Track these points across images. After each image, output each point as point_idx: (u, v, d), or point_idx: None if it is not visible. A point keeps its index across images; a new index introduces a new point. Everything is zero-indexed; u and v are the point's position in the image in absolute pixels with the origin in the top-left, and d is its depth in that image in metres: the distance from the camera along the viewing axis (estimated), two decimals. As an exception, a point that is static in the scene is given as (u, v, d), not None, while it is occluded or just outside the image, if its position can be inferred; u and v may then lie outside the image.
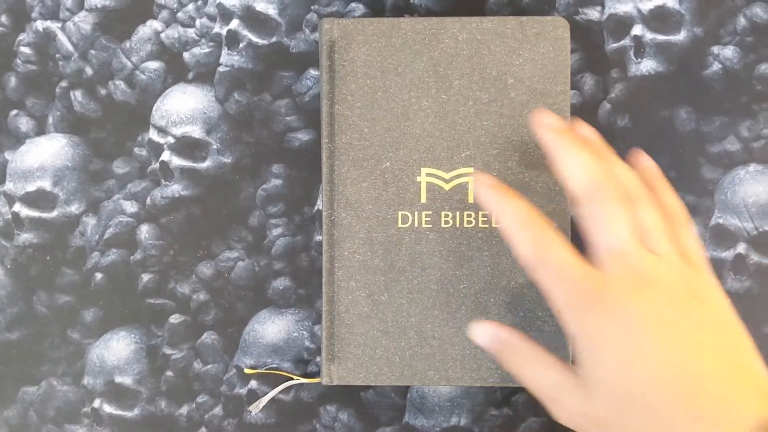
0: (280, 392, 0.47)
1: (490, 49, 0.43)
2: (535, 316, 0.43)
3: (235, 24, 0.47)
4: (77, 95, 0.48)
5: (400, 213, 0.43)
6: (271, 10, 0.47)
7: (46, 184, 0.48)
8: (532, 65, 0.43)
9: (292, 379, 0.46)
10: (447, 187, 0.43)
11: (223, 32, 0.47)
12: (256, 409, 0.46)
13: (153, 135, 0.47)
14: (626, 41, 0.47)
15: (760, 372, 0.33)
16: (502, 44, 0.43)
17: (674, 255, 0.35)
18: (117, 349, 0.48)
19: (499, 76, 0.43)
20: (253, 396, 0.47)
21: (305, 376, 0.47)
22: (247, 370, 0.47)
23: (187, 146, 0.47)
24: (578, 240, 0.37)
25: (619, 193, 0.36)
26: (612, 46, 0.47)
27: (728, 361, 0.33)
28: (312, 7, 0.47)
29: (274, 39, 0.47)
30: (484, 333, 0.38)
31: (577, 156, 0.36)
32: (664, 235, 0.36)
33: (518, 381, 0.37)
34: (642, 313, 0.33)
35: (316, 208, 0.47)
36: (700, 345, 0.33)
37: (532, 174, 0.43)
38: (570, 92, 0.43)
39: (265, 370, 0.47)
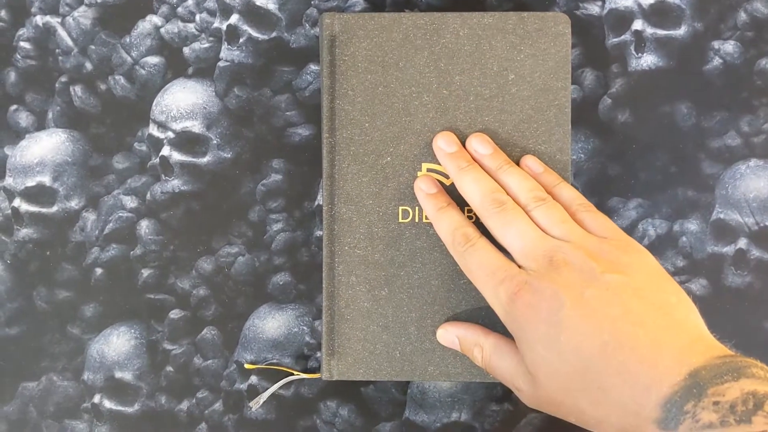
0: (281, 388, 0.47)
1: (491, 45, 0.43)
2: None
3: (234, 19, 0.47)
4: (77, 90, 0.48)
5: (400, 208, 0.43)
6: (271, 5, 0.47)
7: (46, 180, 0.48)
8: (533, 60, 0.43)
9: (292, 374, 0.46)
10: (448, 182, 0.43)
11: (223, 27, 0.47)
12: (256, 404, 0.46)
13: (153, 130, 0.47)
14: (627, 36, 0.47)
15: (688, 325, 0.34)
16: (503, 39, 0.43)
17: (580, 235, 0.38)
18: (117, 344, 0.47)
19: (499, 71, 0.43)
20: (254, 391, 0.47)
21: (305, 371, 0.47)
22: (247, 366, 0.47)
23: (187, 141, 0.47)
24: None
25: (509, 201, 0.39)
26: (612, 40, 0.47)
27: (652, 321, 0.34)
28: (312, 2, 0.47)
29: (274, 34, 0.47)
30: (448, 334, 0.42)
31: (467, 179, 0.40)
32: (565, 221, 0.38)
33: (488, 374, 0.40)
34: (558, 297, 0.35)
35: (316, 203, 0.47)
36: (620, 311, 0.34)
37: None
38: (571, 87, 0.43)
39: (266, 365, 0.47)
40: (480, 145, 0.42)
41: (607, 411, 0.33)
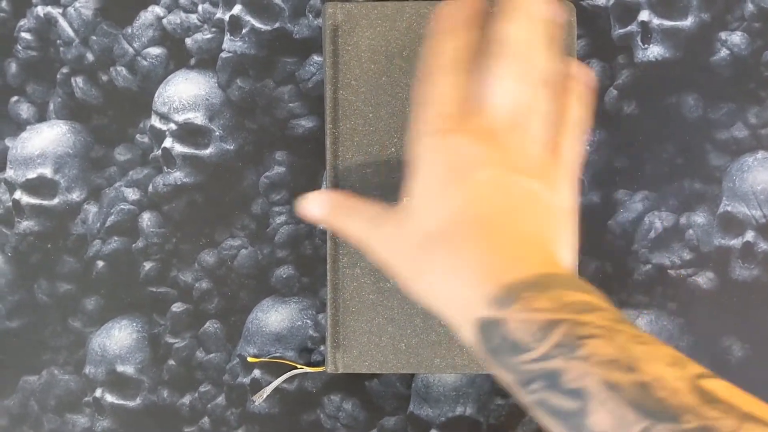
0: (284, 382, 0.46)
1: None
2: None
3: (237, 9, 0.47)
4: (78, 81, 0.47)
5: (405, 199, 0.43)
6: (275, -4, 0.47)
7: (47, 171, 0.47)
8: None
9: (296, 368, 0.46)
10: None
11: (226, 18, 0.47)
12: (260, 398, 0.46)
13: (155, 122, 0.47)
14: (633, 27, 0.46)
15: (553, 250, 0.34)
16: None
17: (540, 141, 0.36)
18: (119, 337, 0.47)
19: None
20: (257, 385, 0.47)
21: (309, 364, 0.46)
22: (250, 359, 0.46)
23: (189, 133, 0.47)
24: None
25: (530, 63, 0.36)
26: (619, 31, 0.46)
27: (531, 229, 0.34)
28: (316, -7, 0.47)
29: (277, 24, 0.47)
30: (314, 203, 0.39)
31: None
32: (545, 124, 0.36)
33: (345, 236, 0.39)
34: (474, 159, 0.34)
35: (319, 195, 0.47)
36: (514, 205, 0.34)
37: None
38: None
39: (269, 359, 0.46)
40: None
41: (443, 276, 0.33)
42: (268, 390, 0.46)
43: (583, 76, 0.39)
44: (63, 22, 0.47)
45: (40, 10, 0.47)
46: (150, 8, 0.47)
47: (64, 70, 0.47)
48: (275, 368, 0.47)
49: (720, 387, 0.28)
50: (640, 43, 0.46)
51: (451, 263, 0.33)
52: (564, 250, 0.35)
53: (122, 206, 0.47)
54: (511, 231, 0.33)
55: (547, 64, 0.36)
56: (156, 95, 0.47)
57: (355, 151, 0.43)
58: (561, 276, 0.32)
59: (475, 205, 0.34)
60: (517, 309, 0.30)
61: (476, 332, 0.32)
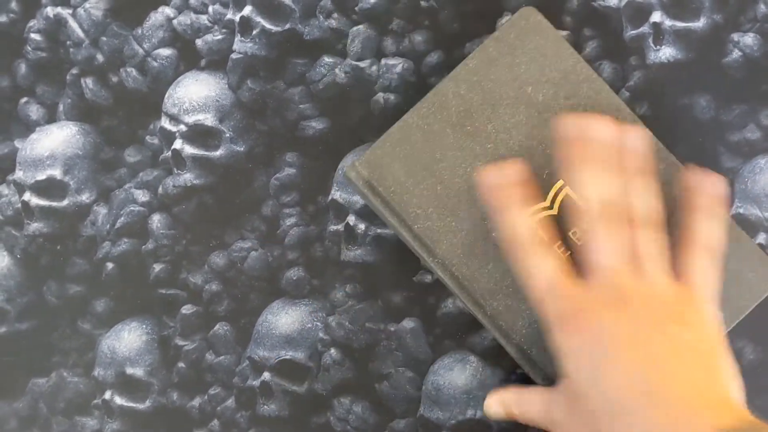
0: (293, 384, 0.46)
1: (493, 80, 0.42)
2: None
3: (248, 10, 0.46)
4: (88, 83, 0.47)
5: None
6: (285, -3, 0.47)
7: (57, 173, 0.47)
8: (535, 62, 0.42)
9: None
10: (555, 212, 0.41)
11: (237, 19, 0.47)
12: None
13: (165, 123, 0.47)
14: (645, 28, 0.46)
15: (724, 391, 0.35)
16: (500, 66, 0.42)
17: (664, 278, 0.37)
18: (128, 340, 0.47)
19: (517, 95, 0.42)
20: (266, 388, 0.46)
21: (321, 367, 0.46)
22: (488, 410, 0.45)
23: (199, 134, 0.47)
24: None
25: (621, 215, 0.37)
26: (630, 33, 0.46)
27: (694, 378, 0.34)
28: (326, -6, 0.47)
29: (287, 26, 0.47)
30: (493, 406, 0.42)
31: (587, 173, 0.37)
32: (659, 258, 0.37)
33: (528, 423, 0.40)
34: (615, 330, 0.35)
35: (330, 197, 0.47)
36: (668, 362, 0.34)
37: None
38: (583, 60, 0.42)
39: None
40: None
41: None
42: None
43: (708, 187, 0.39)
44: (73, 23, 0.47)
45: (50, 11, 0.47)
46: (160, 9, 0.47)
47: (74, 71, 0.47)
48: (285, 371, 0.46)
49: None
50: (652, 45, 0.46)
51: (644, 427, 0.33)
52: (731, 385, 0.35)
53: (132, 208, 0.47)
54: (677, 392, 0.33)
55: (643, 201, 0.38)
56: (166, 96, 0.47)
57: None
58: (751, 426, 0.32)
59: (634, 377, 0.34)
60: None
61: None
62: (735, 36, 0.46)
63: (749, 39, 0.46)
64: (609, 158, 0.38)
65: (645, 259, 0.37)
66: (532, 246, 0.37)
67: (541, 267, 0.37)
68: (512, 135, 0.42)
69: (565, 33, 0.45)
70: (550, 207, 0.41)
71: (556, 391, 0.38)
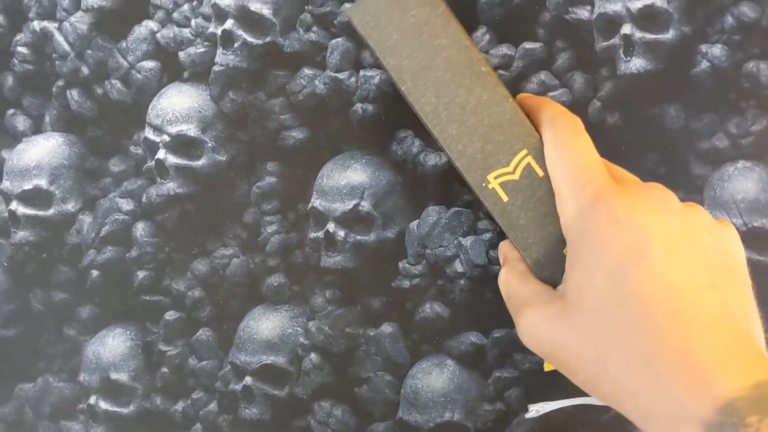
0: (274, 388, 0.47)
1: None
2: None
3: (229, 24, 0.48)
4: (74, 94, 0.48)
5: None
6: (266, 10, 0.48)
7: (43, 183, 0.48)
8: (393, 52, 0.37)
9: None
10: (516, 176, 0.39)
11: (218, 32, 0.48)
12: (536, 413, 0.45)
13: (149, 133, 0.48)
14: (616, 40, 0.47)
15: (757, 330, 0.30)
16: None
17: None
18: (113, 345, 0.48)
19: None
20: (248, 392, 0.47)
21: (302, 372, 0.47)
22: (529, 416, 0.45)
23: (182, 144, 0.48)
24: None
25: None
26: (602, 44, 0.47)
27: (735, 308, 0.29)
28: (306, 7, 0.48)
29: (268, 38, 0.48)
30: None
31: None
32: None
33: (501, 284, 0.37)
34: (648, 231, 0.30)
35: (310, 205, 0.48)
36: (706, 282, 0.29)
37: None
38: (464, 32, 0.38)
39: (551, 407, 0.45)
40: None
41: (642, 384, 0.28)
42: (547, 408, 0.45)
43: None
44: (59, 37, 0.48)
45: (36, 24, 0.48)
46: (144, 23, 0.48)
47: (60, 83, 0.48)
48: (268, 377, 0.47)
49: None
50: (622, 56, 0.47)
51: (645, 370, 0.28)
52: (755, 324, 0.30)
53: (116, 216, 0.48)
54: (705, 318, 0.28)
55: None
56: (150, 107, 0.48)
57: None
58: None
59: (660, 289, 0.29)
60: None
61: None
62: (703, 47, 0.47)
63: (717, 50, 0.47)
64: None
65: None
66: (584, 133, 0.35)
67: (587, 147, 0.34)
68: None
69: None
70: (512, 173, 0.39)
71: (552, 291, 0.33)
